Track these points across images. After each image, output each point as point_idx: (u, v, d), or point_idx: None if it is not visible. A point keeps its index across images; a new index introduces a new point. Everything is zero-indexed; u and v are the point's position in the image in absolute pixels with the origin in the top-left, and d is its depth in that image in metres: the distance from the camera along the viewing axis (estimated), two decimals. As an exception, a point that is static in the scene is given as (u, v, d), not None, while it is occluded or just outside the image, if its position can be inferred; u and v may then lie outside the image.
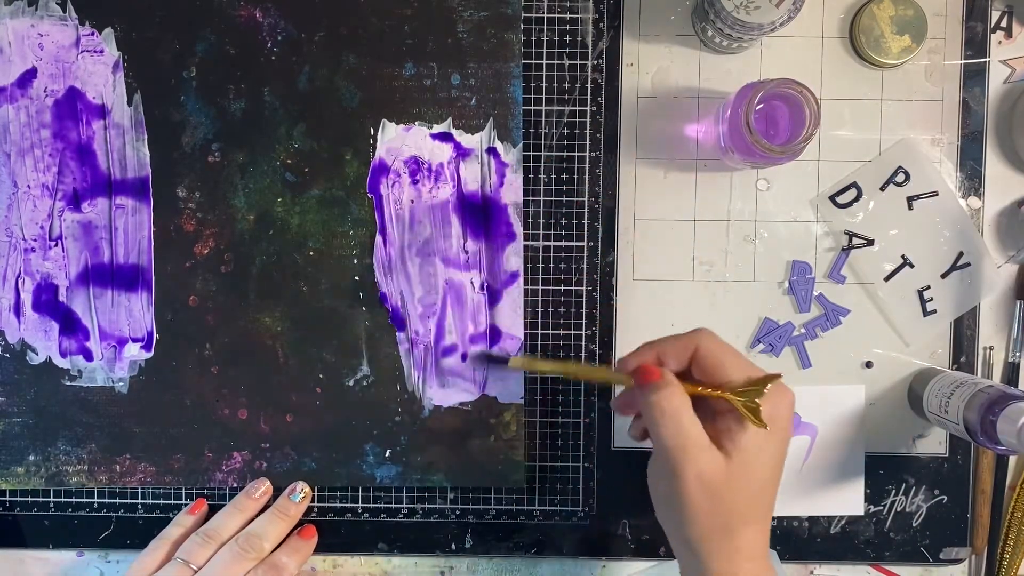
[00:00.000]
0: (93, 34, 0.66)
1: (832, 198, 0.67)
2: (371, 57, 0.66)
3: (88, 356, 0.67)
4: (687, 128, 0.67)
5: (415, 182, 0.67)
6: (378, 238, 0.67)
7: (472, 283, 0.67)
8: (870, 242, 0.67)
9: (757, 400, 0.52)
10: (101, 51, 0.66)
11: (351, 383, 0.67)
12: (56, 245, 0.67)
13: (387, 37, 0.66)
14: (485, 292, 0.67)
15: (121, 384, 0.67)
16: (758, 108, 0.60)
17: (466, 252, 0.67)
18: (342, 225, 0.67)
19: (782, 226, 0.68)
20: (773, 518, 0.68)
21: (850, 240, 0.67)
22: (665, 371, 0.54)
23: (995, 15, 0.67)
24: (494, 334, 0.67)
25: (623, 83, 0.67)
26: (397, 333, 0.67)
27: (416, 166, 0.66)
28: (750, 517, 0.53)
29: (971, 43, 0.67)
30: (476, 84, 0.66)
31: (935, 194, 0.67)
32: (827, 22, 0.67)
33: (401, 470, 0.67)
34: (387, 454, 0.67)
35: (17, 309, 0.67)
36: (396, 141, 0.66)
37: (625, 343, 0.68)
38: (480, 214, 0.66)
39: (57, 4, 0.66)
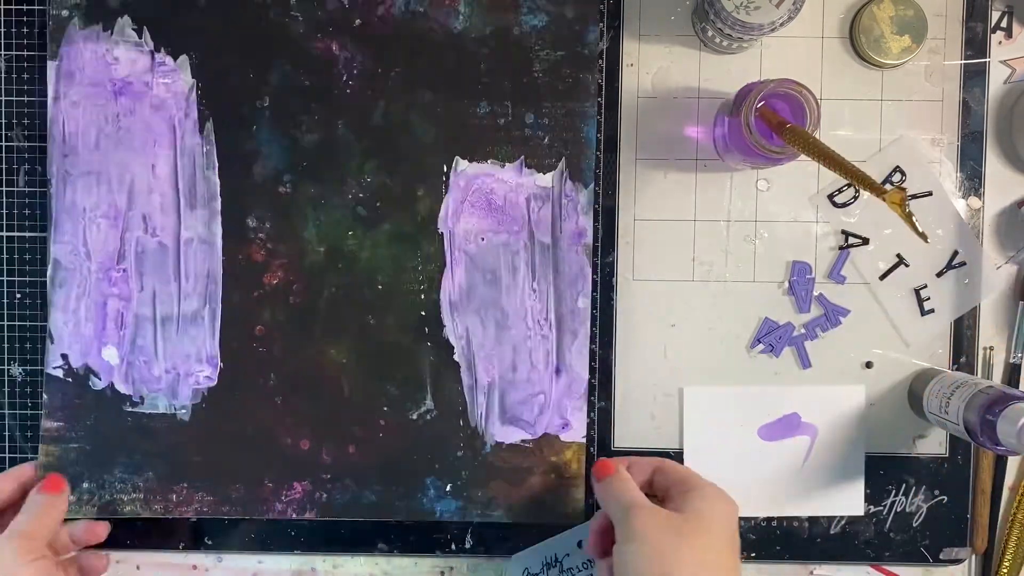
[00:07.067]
0: (168, 61, 0.65)
1: (830, 197, 0.67)
2: (446, 94, 0.66)
3: (151, 383, 0.66)
4: (687, 128, 0.67)
5: (486, 220, 0.66)
6: (446, 274, 0.66)
7: (539, 323, 0.66)
8: (865, 241, 0.67)
9: None
10: (175, 78, 0.66)
11: (414, 416, 0.67)
12: (124, 270, 0.66)
13: (463, 75, 0.66)
14: (552, 331, 0.66)
15: (184, 412, 0.66)
16: (758, 108, 0.60)
17: (534, 291, 0.66)
18: (411, 260, 0.66)
19: (782, 226, 0.68)
20: (773, 518, 0.68)
21: (846, 239, 0.67)
22: (619, 466, 0.60)
23: (995, 15, 0.67)
24: (559, 374, 0.67)
25: (623, 83, 0.67)
26: (462, 370, 0.67)
27: (487, 204, 0.66)
28: None
29: (971, 43, 0.67)
30: (550, 123, 0.66)
31: (929, 194, 0.67)
32: (827, 22, 0.67)
33: (462, 504, 0.67)
34: (448, 488, 0.67)
35: (82, 334, 0.66)
36: (468, 178, 0.66)
37: (625, 343, 0.68)
38: (549, 254, 0.66)
39: (133, 30, 0.65)
